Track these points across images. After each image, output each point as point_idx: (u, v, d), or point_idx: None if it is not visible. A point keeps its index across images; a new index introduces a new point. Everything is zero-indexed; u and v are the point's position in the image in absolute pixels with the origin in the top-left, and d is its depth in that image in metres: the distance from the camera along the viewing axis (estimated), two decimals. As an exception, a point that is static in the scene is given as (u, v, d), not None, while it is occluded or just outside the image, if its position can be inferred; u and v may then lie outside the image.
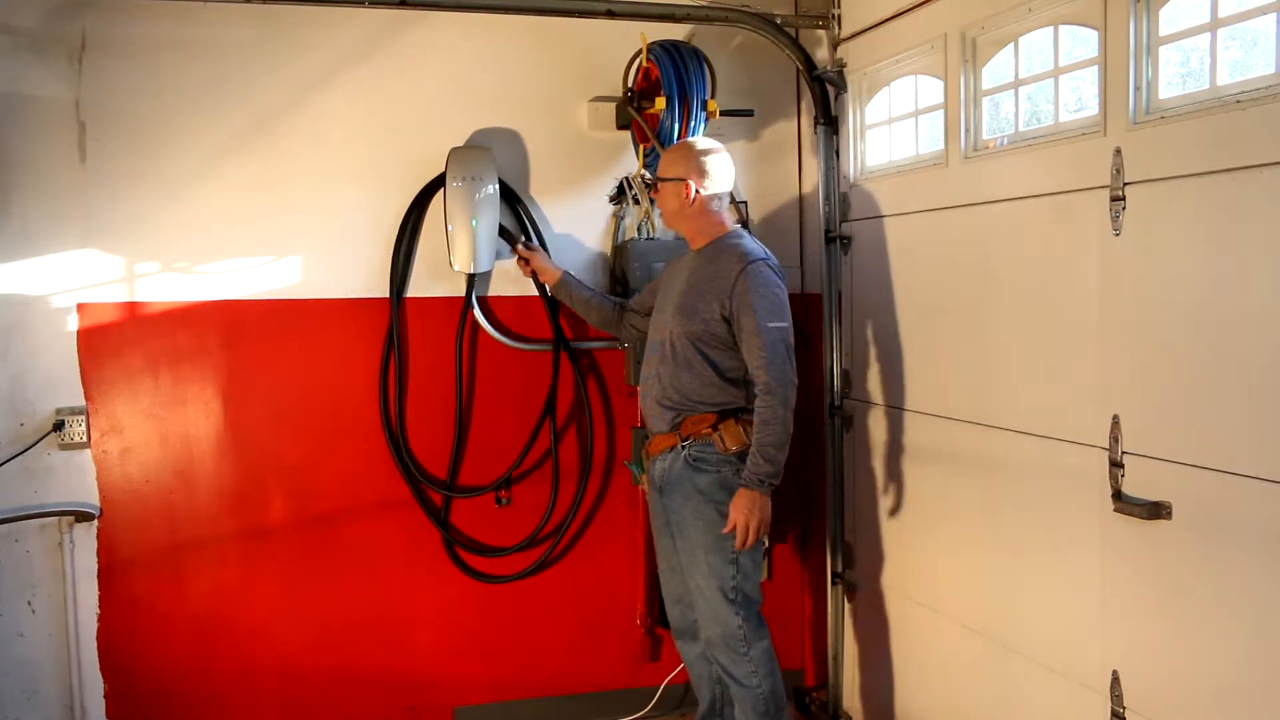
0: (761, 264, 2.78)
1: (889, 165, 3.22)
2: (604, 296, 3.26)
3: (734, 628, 2.82)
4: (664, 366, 2.86)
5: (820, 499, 3.51)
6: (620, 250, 3.45)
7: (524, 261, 3.25)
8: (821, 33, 3.43)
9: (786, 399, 2.71)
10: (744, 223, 3.23)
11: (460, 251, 3.23)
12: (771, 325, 2.73)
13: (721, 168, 2.88)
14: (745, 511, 2.73)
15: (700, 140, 2.94)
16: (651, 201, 3.27)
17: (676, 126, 3.11)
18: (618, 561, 3.54)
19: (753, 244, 2.87)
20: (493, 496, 3.42)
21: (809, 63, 3.31)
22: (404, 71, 3.30)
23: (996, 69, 2.73)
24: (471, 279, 3.31)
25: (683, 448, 2.84)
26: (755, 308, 2.72)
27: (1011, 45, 2.64)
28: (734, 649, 2.83)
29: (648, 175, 3.32)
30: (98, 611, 3.15)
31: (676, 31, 3.34)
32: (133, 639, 3.18)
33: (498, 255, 3.31)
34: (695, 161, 2.86)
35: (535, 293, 3.40)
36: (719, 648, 2.85)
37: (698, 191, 2.84)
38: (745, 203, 3.49)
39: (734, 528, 2.75)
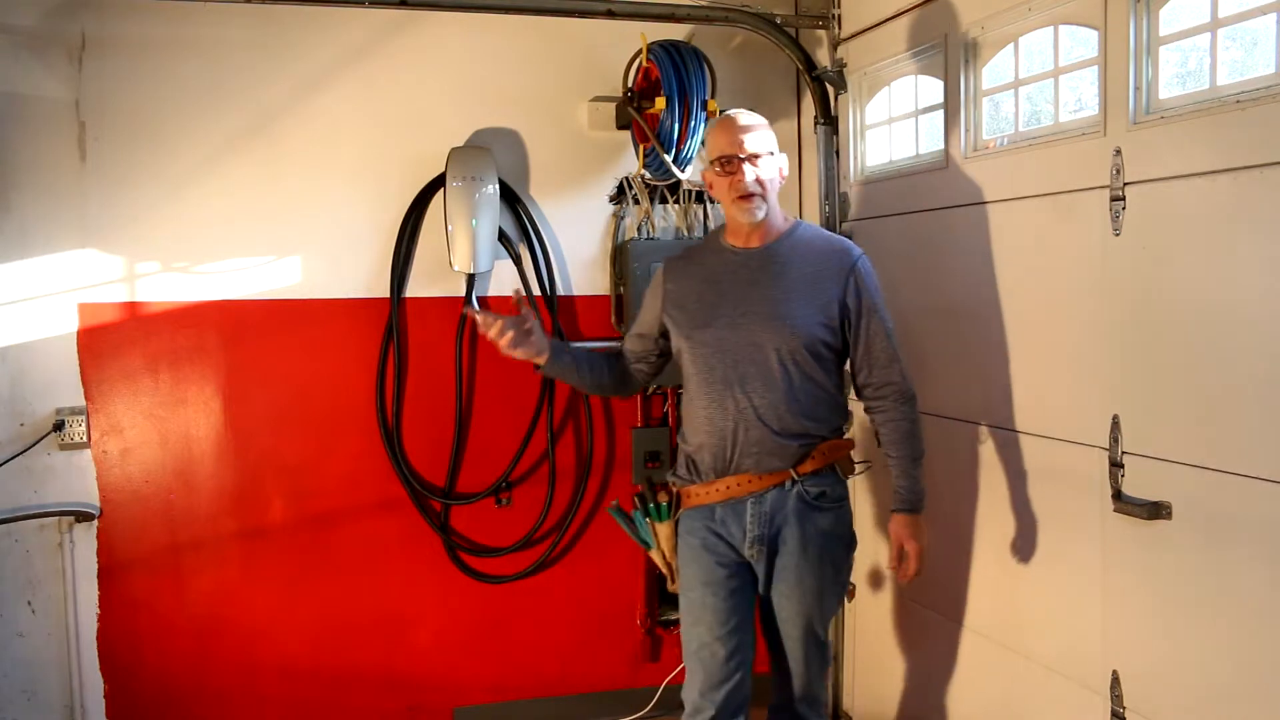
0: (866, 258, 2.50)
1: (889, 165, 3.22)
2: (592, 354, 2.63)
3: (823, 673, 2.55)
4: (770, 390, 2.38)
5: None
6: (620, 250, 3.45)
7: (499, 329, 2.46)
8: (821, 33, 3.43)
9: (914, 401, 2.49)
10: None
11: (460, 251, 3.23)
12: (892, 327, 2.48)
13: None
14: (919, 538, 2.48)
15: None
16: (652, 201, 3.26)
17: (676, 126, 3.10)
18: (618, 561, 3.54)
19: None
20: (492, 499, 3.42)
21: (809, 63, 3.31)
22: (404, 71, 3.30)
23: (996, 69, 2.73)
24: (471, 279, 3.31)
25: (794, 484, 2.41)
26: (879, 306, 2.45)
27: (1011, 45, 2.64)
28: (818, 693, 2.56)
29: (647, 175, 3.32)
30: (98, 611, 3.15)
31: (676, 31, 3.34)
32: (133, 639, 3.18)
33: (497, 255, 3.32)
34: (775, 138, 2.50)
35: (537, 293, 3.40)
36: (804, 700, 2.54)
37: (784, 169, 2.49)
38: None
39: (909, 559, 2.48)
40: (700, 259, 2.56)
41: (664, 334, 2.57)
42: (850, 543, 2.53)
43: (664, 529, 2.57)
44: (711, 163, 2.45)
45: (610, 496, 3.53)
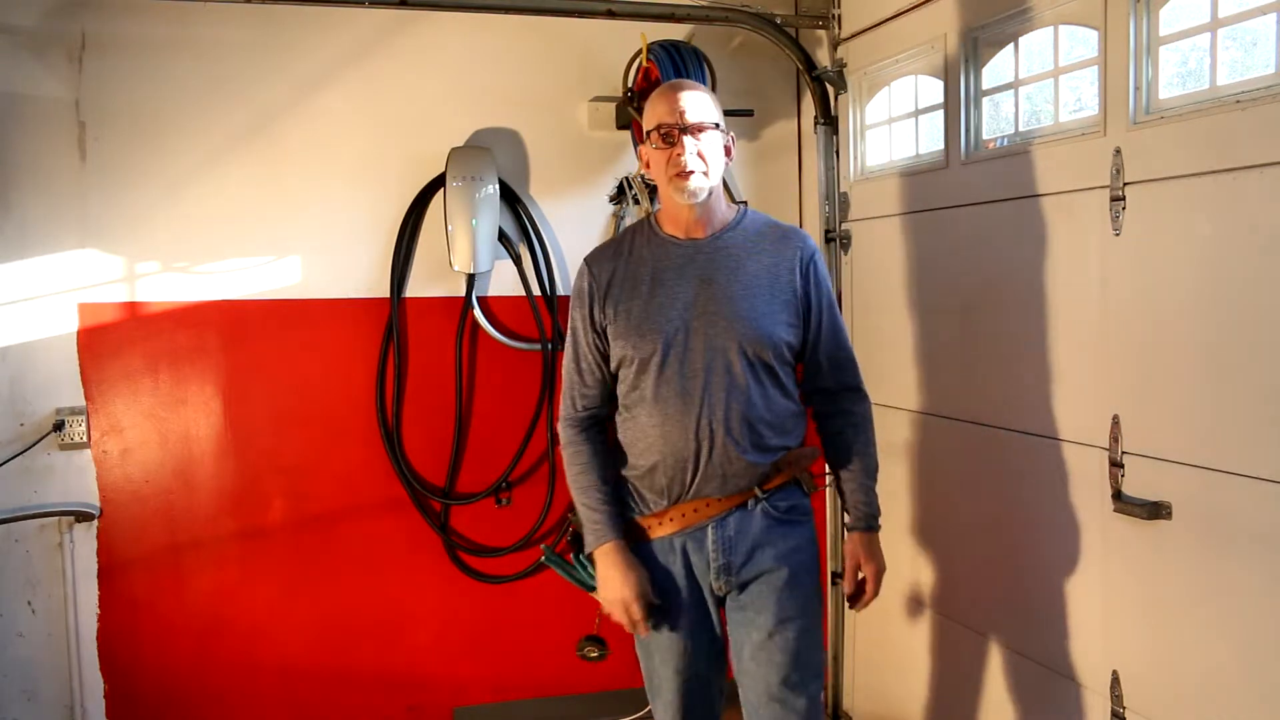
0: (819, 251, 2.26)
1: (889, 165, 3.22)
2: (603, 468, 2.23)
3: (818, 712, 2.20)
4: (736, 402, 2.08)
5: (819, 498, 3.51)
6: (620, 250, 3.45)
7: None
8: (821, 33, 3.43)
9: (867, 401, 2.28)
10: None
11: (460, 251, 3.23)
12: (843, 323, 2.28)
13: None
14: (878, 559, 2.22)
15: None
16: (652, 201, 3.25)
17: (676, 126, 3.10)
18: (618, 561, 3.53)
19: None
20: (492, 499, 3.42)
21: (809, 63, 3.31)
22: (404, 71, 3.29)
23: (996, 69, 2.73)
24: (471, 279, 3.31)
25: (759, 499, 2.14)
26: (833, 302, 2.24)
27: (1011, 45, 2.64)
28: None
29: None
30: (98, 611, 3.15)
31: (676, 31, 3.34)
32: (133, 639, 3.18)
33: (497, 255, 3.32)
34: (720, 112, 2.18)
35: (536, 293, 3.40)
36: None
37: (731, 149, 2.20)
38: (745, 202, 3.49)
39: (867, 583, 2.23)
40: (634, 253, 2.20)
41: (607, 355, 2.20)
42: (817, 564, 2.25)
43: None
44: (648, 134, 2.14)
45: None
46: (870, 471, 2.25)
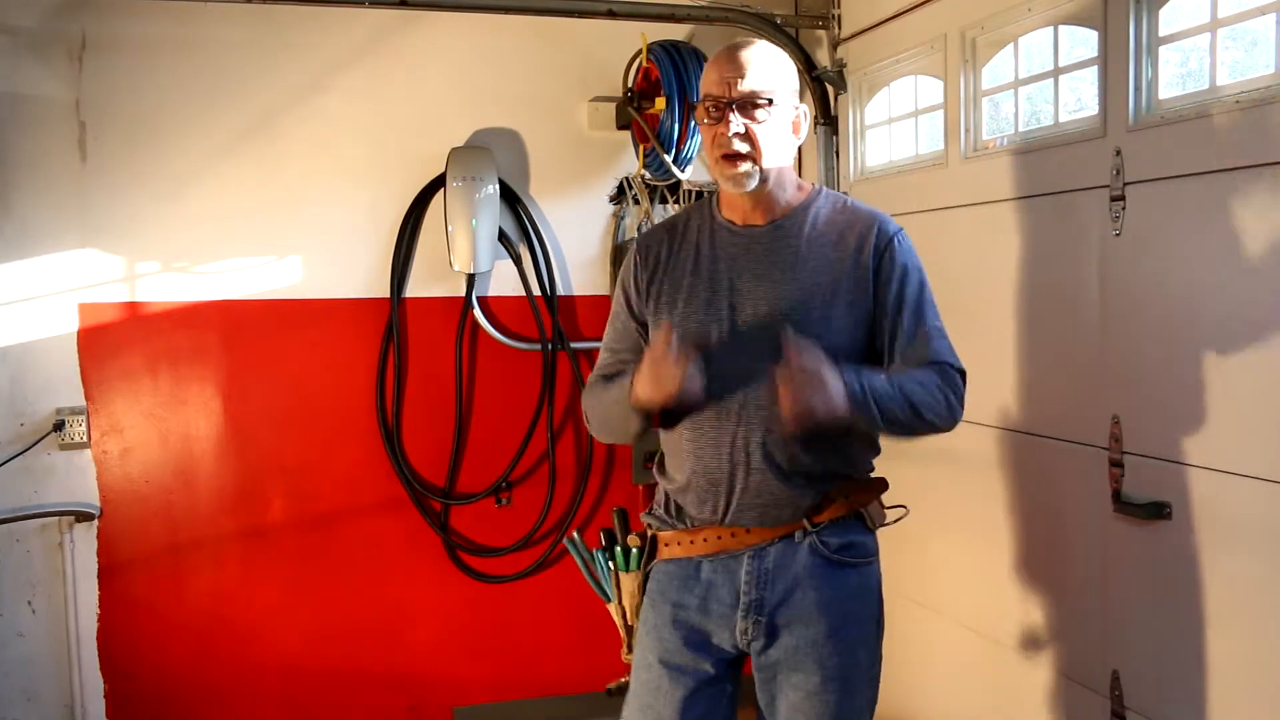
0: (904, 234, 1.89)
1: (889, 165, 3.22)
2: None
3: None
4: (778, 413, 1.71)
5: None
6: (620, 250, 3.45)
7: None
8: (821, 33, 3.43)
9: (958, 409, 1.81)
10: None
11: (460, 251, 3.23)
12: (939, 326, 1.86)
13: None
14: (814, 393, 1.65)
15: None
16: (652, 201, 3.25)
17: (676, 127, 3.11)
18: (618, 561, 3.54)
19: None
20: (492, 498, 3.42)
21: (809, 63, 3.31)
22: (404, 71, 3.30)
23: (996, 69, 2.73)
24: (471, 279, 3.32)
25: (808, 533, 1.82)
26: (925, 300, 1.85)
27: (1011, 45, 2.64)
28: None
29: (647, 175, 3.32)
30: (98, 611, 3.15)
31: (676, 31, 3.34)
32: (133, 639, 3.18)
33: (497, 255, 3.32)
34: (797, 72, 1.86)
35: (536, 293, 3.40)
36: None
37: (801, 124, 1.87)
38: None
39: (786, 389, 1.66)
40: (687, 238, 1.91)
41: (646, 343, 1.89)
42: (881, 617, 1.91)
43: (628, 581, 2.02)
44: (698, 105, 1.84)
45: (611, 496, 3.53)
46: (909, 393, 1.74)
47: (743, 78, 1.77)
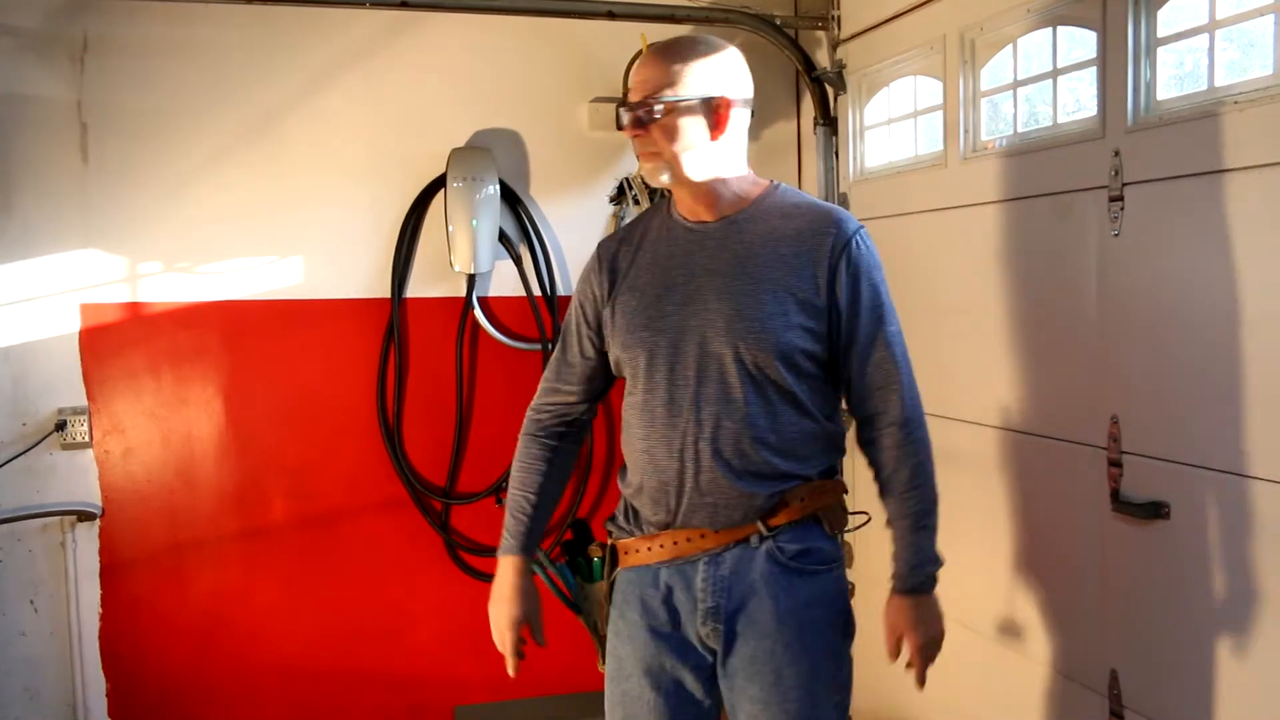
0: (865, 233, 1.84)
1: (888, 166, 3.23)
2: (537, 461, 2.00)
3: None
4: (731, 417, 1.76)
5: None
6: (620, 250, 3.45)
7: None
8: (821, 34, 3.44)
9: (928, 438, 1.86)
10: None
11: (461, 252, 3.24)
12: (896, 330, 1.85)
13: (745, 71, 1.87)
14: (927, 626, 1.82)
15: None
16: (652, 201, 3.25)
17: (676, 127, 3.11)
18: (618, 561, 3.54)
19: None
20: (493, 498, 3.43)
21: (808, 64, 3.32)
22: (405, 72, 3.30)
23: (995, 70, 2.74)
24: (472, 279, 3.32)
25: (763, 538, 1.80)
26: (881, 302, 1.82)
27: (1010, 46, 2.65)
28: None
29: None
30: (100, 611, 3.16)
31: (676, 32, 3.33)
32: (134, 638, 3.19)
33: (498, 256, 3.33)
34: (730, 65, 1.83)
35: (537, 293, 3.41)
36: None
37: (734, 112, 1.82)
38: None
39: (912, 655, 1.85)
40: (644, 236, 1.91)
41: (601, 351, 1.93)
42: (846, 625, 1.90)
43: (594, 592, 2.02)
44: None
45: (611, 496, 3.53)
46: (921, 514, 1.81)
47: (647, 80, 1.79)
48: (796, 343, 1.77)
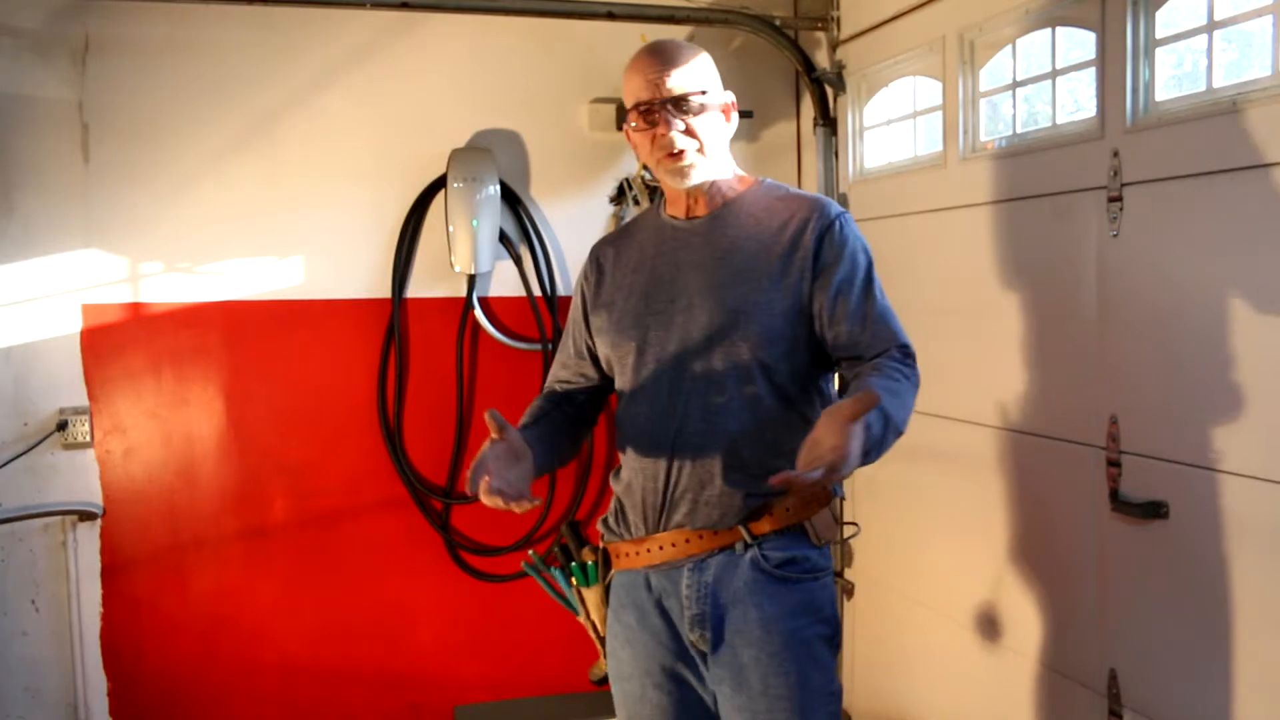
0: (848, 217, 1.85)
1: (888, 166, 3.23)
2: (542, 404, 2.01)
3: None
4: (716, 413, 1.77)
5: (820, 498, 3.51)
6: (620, 251, 3.46)
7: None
8: (820, 34, 3.44)
9: (918, 381, 1.79)
10: None
11: (461, 252, 3.25)
12: (887, 304, 1.81)
13: None
14: (843, 442, 1.47)
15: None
16: (652, 201, 3.25)
17: (676, 128, 3.11)
18: (618, 561, 3.55)
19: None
20: (493, 496, 3.44)
21: (808, 64, 3.32)
22: (405, 73, 3.31)
23: (994, 71, 2.74)
24: (472, 279, 3.33)
25: (747, 547, 1.78)
26: (871, 280, 1.80)
27: (1009, 47, 2.66)
28: None
29: (647, 176, 3.33)
30: (101, 610, 3.17)
31: (676, 33, 3.35)
32: (136, 638, 3.19)
33: (498, 256, 3.33)
34: (714, 66, 1.88)
35: (537, 293, 3.41)
36: None
37: (732, 111, 1.89)
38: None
39: (811, 460, 1.49)
40: (636, 239, 1.93)
41: (594, 354, 1.95)
42: (834, 634, 1.84)
43: (591, 595, 2.00)
44: (628, 114, 1.83)
45: (611, 495, 3.53)
46: (889, 389, 1.64)
47: (670, 76, 1.78)
48: (786, 331, 1.77)
